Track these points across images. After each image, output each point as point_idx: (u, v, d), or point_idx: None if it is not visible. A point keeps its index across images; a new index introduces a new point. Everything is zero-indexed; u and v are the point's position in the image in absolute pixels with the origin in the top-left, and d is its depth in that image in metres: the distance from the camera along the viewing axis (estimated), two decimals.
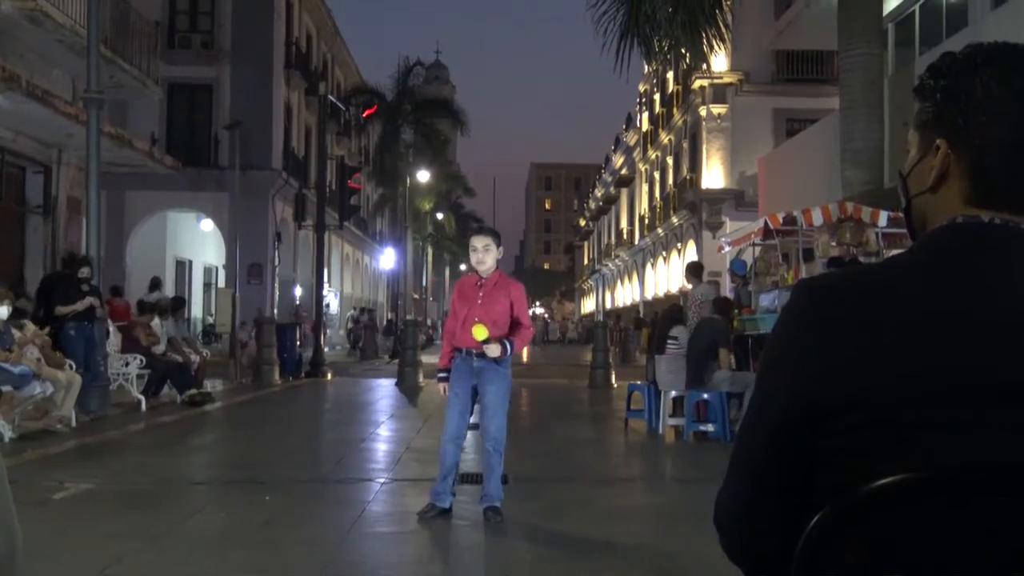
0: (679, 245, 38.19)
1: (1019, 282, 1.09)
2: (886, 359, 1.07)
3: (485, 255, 5.68)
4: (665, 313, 11.25)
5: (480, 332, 5.46)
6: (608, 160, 66.73)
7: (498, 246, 5.80)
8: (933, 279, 1.12)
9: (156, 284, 17.84)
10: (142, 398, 11.95)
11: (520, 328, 5.70)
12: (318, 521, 5.73)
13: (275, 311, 25.58)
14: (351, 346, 32.30)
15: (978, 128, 1.15)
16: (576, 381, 18.29)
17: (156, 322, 13.30)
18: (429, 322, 48.89)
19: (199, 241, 29.50)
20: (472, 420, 5.95)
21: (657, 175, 44.65)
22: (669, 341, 10.24)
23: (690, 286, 12.49)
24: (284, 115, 29.80)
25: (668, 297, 37.38)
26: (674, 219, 38.38)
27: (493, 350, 5.50)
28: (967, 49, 1.19)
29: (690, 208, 34.81)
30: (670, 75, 38.42)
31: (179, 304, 15.12)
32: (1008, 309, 1.07)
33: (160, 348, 12.89)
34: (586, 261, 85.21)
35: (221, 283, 27.53)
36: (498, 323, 5.59)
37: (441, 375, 5.90)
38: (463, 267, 62.51)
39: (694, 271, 12.28)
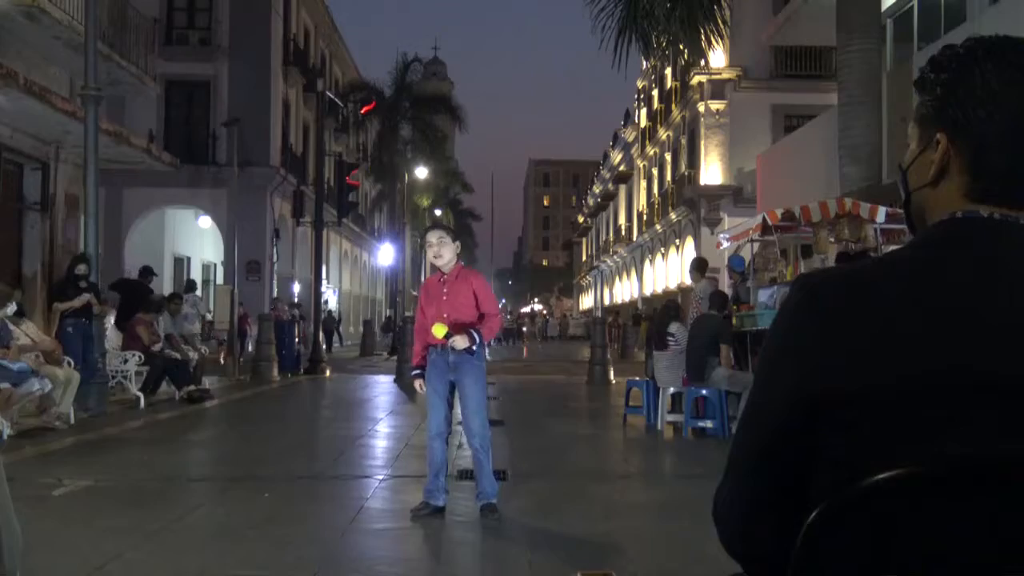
0: (677, 241, 38.20)
1: (1018, 278, 1.09)
2: (885, 356, 1.07)
3: (441, 248, 5.65)
4: (662, 310, 11.25)
5: (439, 330, 5.46)
6: (606, 156, 66.77)
7: (454, 240, 5.77)
8: (932, 275, 1.11)
9: (192, 287, 17.98)
10: (140, 395, 11.95)
11: (487, 317, 5.66)
12: (316, 518, 5.74)
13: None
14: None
15: (978, 123, 1.14)
16: (575, 377, 18.30)
17: (161, 320, 13.33)
18: None
19: (197, 238, 29.47)
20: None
21: (655, 171, 44.66)
22: (667, 338, 10.25)
23: (692, 282, 12.50)
24: (282, 112, 29.76)
25: (667, 293, 37.40)
26: (672, 215, 38.38)
27: (460, 342, 5.47)
28: (968, 42, 1.19)
29: (689, 204, 34.82)
30: (668, 71, 38.41)
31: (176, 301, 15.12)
32: (1008, 306, 1.07)
33: (159, 346, 12.88)
34: (584, 257, 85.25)
35: (219, 280, 27.51)
36: (465, 315, 5.58)
37: (415, 372, 5.86)
38: (461, 263, 62.39)
39: (698, 267, 12.29)
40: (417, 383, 5.82)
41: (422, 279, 57.88)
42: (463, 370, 5.62)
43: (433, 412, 5.72)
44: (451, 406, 5.78)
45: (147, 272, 15.04)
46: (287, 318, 19.82)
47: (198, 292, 18.66)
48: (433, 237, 5.72)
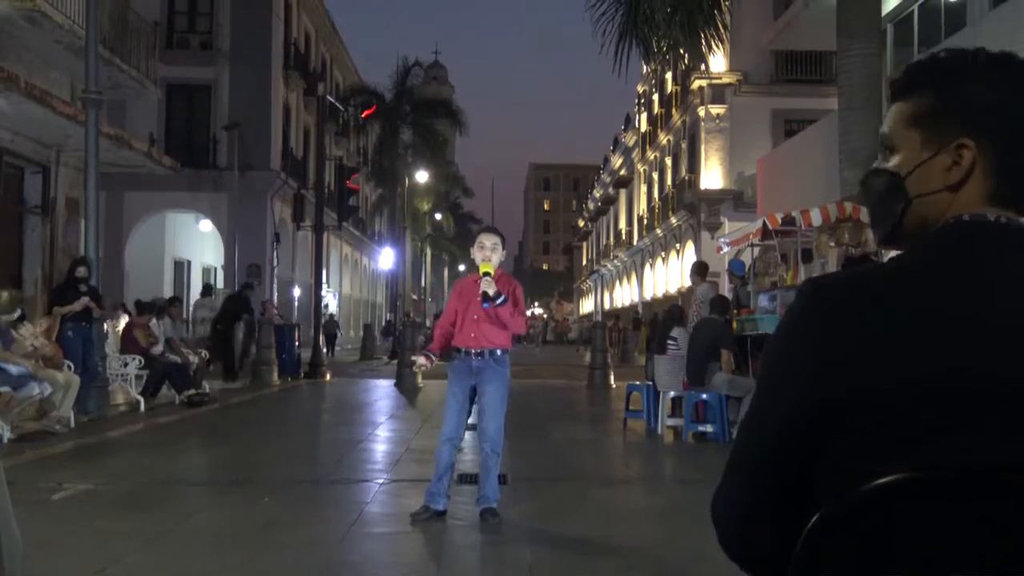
0: (678, 246, 38.20)
1: (1021, 281, 1.09)
2: (887, 360, 1.07)
3: (492, 254, 5.67)
4: (666, 314, 11.24)
5: (486, 266, 5.54)
6: (607, 161, 66.77)
7: (503, 248, 5.80)
8: (936, 280, 1.11)
9: (208, 291, 18.18)
10: (141, 399, 11.94)
11: (518, 313, 5.69)
12: (317, 522, 5.73)
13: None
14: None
15: (1011, 128, 1.15)
16: (575, 381, 18.29)
17: (154, 322, 13.33)
18: (428, 323, 48.92)
19: (198, 242, 29.48)
20: (470, 421, 5.96)
21: (656, 176, 44.67)
22: (669, 342, 10.25)
23: (692, 286, 12.50)
24: (283, 116, 29.79)
25: (667, 297, 37.40)
26: (673, 220, 38.38)
27: (488, 284, 5.49)
28: (984, 54, 1.19)
29: (689, 209, 34.82)
30: (669, 76, 38.43)
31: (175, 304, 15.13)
32: (1010, 310, 1.07)
33: (158, 349, 12.88)
34: (585, 262, 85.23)
35: (220, 284, 27.53)
36: (500, 319, 5.60)
37: (425, 351, 5.88)
38: (462, 267, 62.51)
39: (698, 270, 12.29)
40: (421, 357, 5.82)
41: (422, 283, 57.66)
42: (486, 376, 5.64)
43: (449, 416, 5.72)
44: (468, 412, 5.77)
45: (248, 286, 19.05)
46: (278, 321, 19.68)
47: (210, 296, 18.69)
48: (488, 241, 5.73)
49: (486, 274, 5.55)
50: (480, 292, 5.55)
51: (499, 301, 5.53)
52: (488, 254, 5.66)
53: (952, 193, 1.19)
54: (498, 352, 5.67)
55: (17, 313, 9.70)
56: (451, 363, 5.79)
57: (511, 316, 5.62)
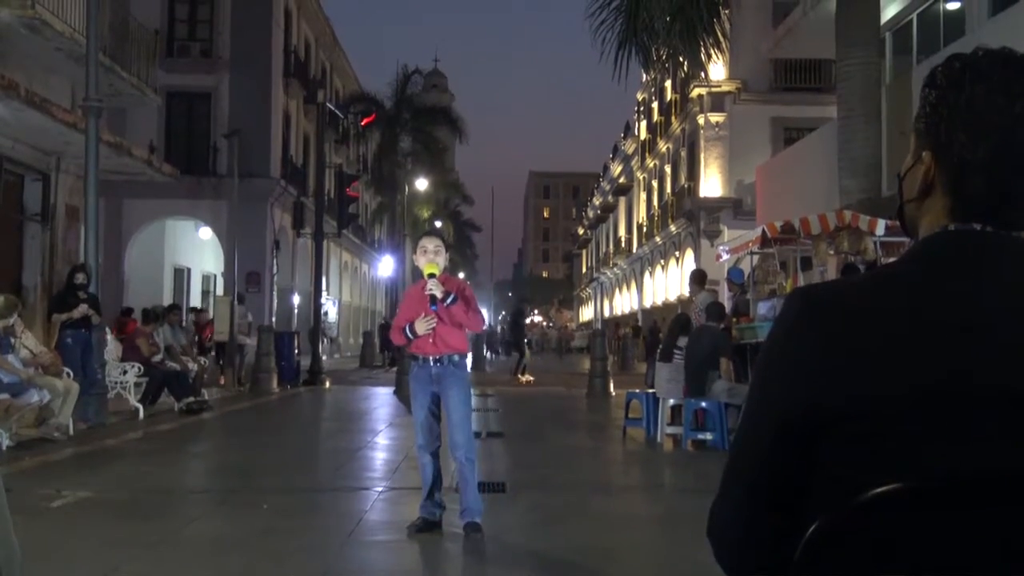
0: (677, 253, 38.21)
1: (1010, 291, 1.10)
2: (882, 370, 1.07)
3: (436, 257, 5.56)
4: (673, 322, 11.22)
5: (431, 268, 5.43)
6: (606, 168, 66.85)
7: (446, 250, 5.74)
8: (927, 289, 1.12)
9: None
10: (140, 406, 11.93)
11: (472, 312, 5.55)
12: (316, 530, 5.72)
13: (273, 319, 25.58)
14: None
15: (959, 145, 1.15)
16: (574, 389, 18.27)
17: (159, 332, 13.35)
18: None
19: (197, 249, 29.45)
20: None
21: (655, 183, 44.71)
22: (675, 351, 10.25)
23: (691, 294, 12.51)
24: (283, 123, 29.79)
25: (666, 305, 37.40)
26: (672, 227, 38.41)
27: (434, 286, 5.37)
28: (959, 61, 1.18)
29: (688, 216, 34.84)
30: (668, 84, 38.51)
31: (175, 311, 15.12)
32: (1002, 318, 1.07)
33: (158, 357, 12.88)
34: (584, 269, 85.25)
35: (219, 291, 27.52)
36: (452, 320, 5.50)
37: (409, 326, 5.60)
38: (461, 274, 62.50)
39: (697, 279, 12.29)
40: (420, 325, 5.48)
41: None
42: (447, 382, 5.51)
43: (419, 425, 5.60)
44: (438, 418, 5.65)
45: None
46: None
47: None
48: (430, 244, 5.61)
49: (431, 275, 5.44)
50: (427, 295, 5.42)
51: (448, 301, 5.41)
52: (432, 257, 5.54)
53: (919, 204, 1.22)
54: (456, 357, 5.56)
55: (13, 319, 9.67)
56: (411, 372, 5.70)
57: (465, 314, 5.50)
